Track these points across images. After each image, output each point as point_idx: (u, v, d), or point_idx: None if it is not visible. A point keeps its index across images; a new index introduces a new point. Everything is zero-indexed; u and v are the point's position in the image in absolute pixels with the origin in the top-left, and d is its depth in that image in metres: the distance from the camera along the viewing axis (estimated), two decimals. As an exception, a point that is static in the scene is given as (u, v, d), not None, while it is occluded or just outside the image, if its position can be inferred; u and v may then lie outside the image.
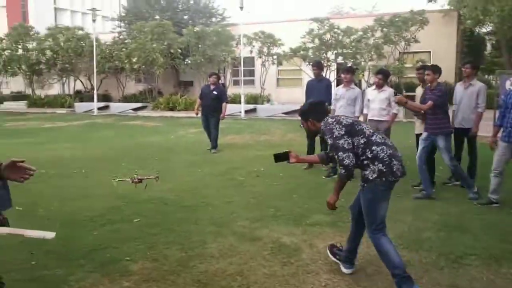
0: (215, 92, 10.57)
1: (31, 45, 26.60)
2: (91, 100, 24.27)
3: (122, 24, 29.85)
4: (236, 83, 29.03)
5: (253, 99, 24.84)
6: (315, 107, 3.79)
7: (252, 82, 28.96)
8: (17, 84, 31.93)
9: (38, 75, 27.88)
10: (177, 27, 25.87)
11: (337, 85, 14.83)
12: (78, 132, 15.15)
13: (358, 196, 3.62)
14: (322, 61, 18.87)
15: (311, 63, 16.23)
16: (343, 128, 3.42)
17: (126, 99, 27.58)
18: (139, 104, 23.79)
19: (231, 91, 27.39)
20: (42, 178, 7.71)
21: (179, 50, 24.13)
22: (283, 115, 19.59)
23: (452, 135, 6.53)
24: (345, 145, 3.35)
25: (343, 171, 3.37)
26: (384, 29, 21.69)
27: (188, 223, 5.27)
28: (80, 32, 26.47)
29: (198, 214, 5.67)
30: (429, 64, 7.81)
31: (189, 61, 23.96)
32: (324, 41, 21.89)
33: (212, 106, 10.54)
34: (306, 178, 7.81)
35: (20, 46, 26.54)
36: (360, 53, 21.81)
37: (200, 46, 24.10)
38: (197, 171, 8.45)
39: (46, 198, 6.44)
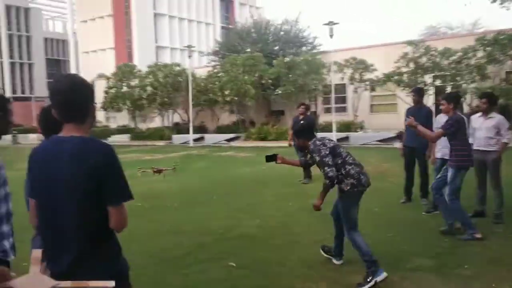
0: (302, 123, 10.55)
1: (134, 82, 28.61)
2: (188, 132, 25.33)
3: (216, 58, 31.06)
4: (328, 110, 28.68)
5: (346, 127, 24.29)
6: (307, 129, 4.88)
7: (344, 109, 28.42)
8: (122, 118, 34.43)
9: (140, 109, 29.82)
10: (268, 58, 26.34)
11: (436, 110, 13.91)
12: (174, 164, 15.70)
13: (337, 203, 4.77)
14: (421, 86, 17.91)
15: (410, 90, 15.47)
16: (328, 149, 4.46)
17: (220, 130, 28.45)
18: (232, 135, 24.34)
19: (322, 119, 27.10)
20: (138, 211, 7.95)
21: (270, 81, 24.46)
22: (378, 142, 18.82)
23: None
24: (329, 162, 4.40)
25: (328, 181, 4.38)
26: (487, 48, 20.15)
27: (276, 264, 5.03)
28: (177, 68, 27.94)
29: (287, 253, 5.41)
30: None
31: (280, 91, 24.13)
32: (420, 64, 20.88)
33: None
34: (403, 213, 7.23)
35: (124, 84, 28.67)
36: (461, 75, 20.45)
37: (290, 76, 24.22)
38: (287, 205, 8.22)
39: (139, 233, 6.57)
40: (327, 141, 4.62)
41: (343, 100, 28.59)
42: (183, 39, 54.67)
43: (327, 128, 24.17)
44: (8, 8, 63.60)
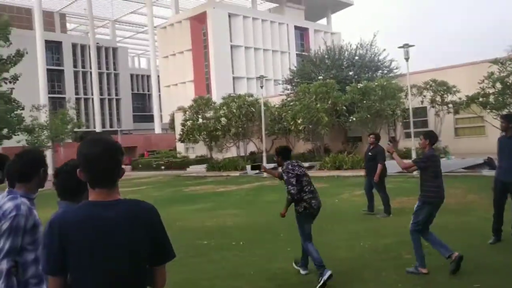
0: (370, 153, 10.30)
1: (209, 114, 29.26)
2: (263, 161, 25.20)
3: (289, 87, 30.99)
4: (408, 135, 27.31)
5: (428, 153, 22.91)
6: (285, 152, 6.16)
7: (425, 133, 26.89)
8: (200, 148, 35.26)
9: (215, 140, 30.34)
10: (342, 84, 25.74)
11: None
12: (245, 197, 15.54)
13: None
14: (510, 113, 16.38)
15: (498, 115, 14.15)
16: (295, 173, 5.80)
17: (295, 158, 28.03)
18: (306, 164, 23.80)
19: (403, 144, 25.77)
20: (202, 250, 7.78)
21: (344, 108, 23.80)
22: (464, 170, 17.35)
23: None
24: (294, 182, 5.77)
25: (290, 197, 5.87)
26: None
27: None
28: (250, 98, 28.17)
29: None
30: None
31: (354, 118, 23.37)
32: (508, 84, 19.20)
33: (370, 167, 10.35)
34: (491, 257, 6.35)
35: (200, 116, 29.41)
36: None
37: (365, 101, 23.42)
38: (357, 244, 7.60)
39: (197, 277, 6.34)
40: (296, 168, 5.92)
41: (424, 124, 27.10)
42: (259, 68, 55.59)
43: (408, 154, 22.91)
44: (98, 49, 68.74)
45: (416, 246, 5.99)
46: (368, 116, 23.23)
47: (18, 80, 20.15)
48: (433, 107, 23.90)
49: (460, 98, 22.07)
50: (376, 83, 23.44)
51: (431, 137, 6.28)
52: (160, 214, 2.10)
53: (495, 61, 18.03)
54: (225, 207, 13.16)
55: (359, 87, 23.60)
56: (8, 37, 19.62)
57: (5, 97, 19.23)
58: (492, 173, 15.85)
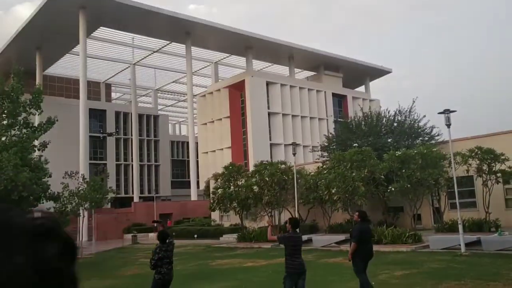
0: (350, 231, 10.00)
1: (241, 182, 28.44)
2: (296, 232, 23.79)
3: (325, 154, 30.02)
4: (453, 206, 25.38)
5: (477, 226, 20.95)
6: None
7: (473, 204, 24.92)
8: (235, 216, 34.15)
9: (247, 209, 29.26)
10: (380, 151, 24.54)
11: None
12: (273, 274, 14.18)
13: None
14: None
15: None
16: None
17: (332, 229, 26.51)
18: (342, 236, 22.19)
19: (448, 216, 23.88)
20: None
21: (382, 177, 22.44)
22: (519, 248, 15.39)
23: None
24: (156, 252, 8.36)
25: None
26: None
27: None
28: (283, 166, 27.29)
29: None
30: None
31: (393, 188, 21.89)
32: None
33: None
34: None
35: (231, 184, 28.63)
36: None
37: (404, 170, 22.02)
38: None
39: None
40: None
41: (470, 194, 25.20)
42: (296, 135, 55.20)
43: (454, 227, 21.01)
44: (140, 116, 70.78)
45: None
46: (409, 185, 21.71)
47: (46, 147, 20.26)
48: (480, 176, 22.21)
49: (510, 167, 20.37)
50: (415, 151, 22.11)
51: (291, 222, 8.09)
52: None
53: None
54: (247, 287, 11.90)
55: (397, 154, 22.31)
56: (40, 105, 19.94)
57: (32, 165, 19.21)
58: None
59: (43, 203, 20.40)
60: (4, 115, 19.99)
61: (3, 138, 19.98)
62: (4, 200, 17.63)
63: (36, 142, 20.64)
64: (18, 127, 19.83)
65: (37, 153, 21.19)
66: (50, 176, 19.75)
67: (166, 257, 8.29)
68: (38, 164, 19.81)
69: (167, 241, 8.65)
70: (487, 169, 21.83)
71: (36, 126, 20.40)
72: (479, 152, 21.82)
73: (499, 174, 21.57)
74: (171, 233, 37.74)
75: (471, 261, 13.81)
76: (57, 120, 20.38)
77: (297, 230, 8.27)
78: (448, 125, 16.49)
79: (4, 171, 17.37)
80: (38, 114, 20.66)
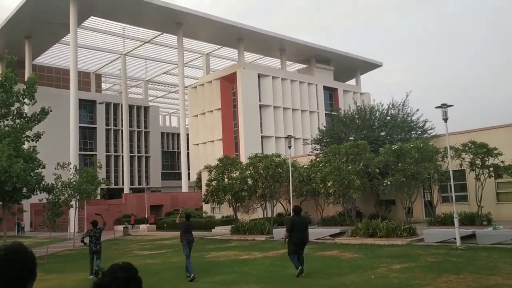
0: None
1: (235, 174, 28.38)
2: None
3: (318, 147, 30.06)
4: (445, 200, 25.64)
5: (469, 220, 21.16)
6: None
7: (464, 198, 25.20)
8: (227, 208, 34.10)
9: (241, 202, 29.25)
10: (374, 145, 24.63)
11: None
12: (270, 267, 14.20)
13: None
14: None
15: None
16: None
17: (325, 221, 26.63)
18: (337, 229, 22.28)
19: (439, 210, 24.13)
20: None
21: (377, 170, 22.54)
22: (513, 241, 15.57)
23: None
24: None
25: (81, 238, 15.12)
26: None
27: None
28: (278, 159, 27.28)
29: None
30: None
31: (389, 182, 22.01)
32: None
33: None
34: None
35: (225, 176, 28.55)
36: None
37: (400, 164, 22.14)
38: None
39: None
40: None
41: (462, 188, 25.48)
42: (287, 128, 55.26)
43: (447, 221, 21.21)
44: (130, 107, 70.21)
45: None
46: (404, 179, 21.85)
47: (40, 138, 19.98)
48: (472, 170, 22.44)
49: (502, 162, 20.58)
50: (412, 145, 22.23)
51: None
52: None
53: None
54: (248, 280, 11.88)
55: (393, 148, 22.41)
56: (33, 95, 19.62)
57: (25, 156, 18.93)
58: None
59: (36, 194, 20.17)
60: (-3, 105, 19.69)
61: (-3, 128, 19.70)
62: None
63: (28, 133, 20.33)
64: (11, 117, 19.54)
65: (29, 144, 20.89)
66: (44, 167, 19.50)
67: (93, 236, 14.54)
68: (32, 155, 19.54)
69: (97, 227, 14.92)
70: (480, 163, 22.04)
71: (30, 116, 20.09)
72: (472, 146, 22.02)
73: (491, 168, 21.79)
74: (163, 224, 37.25)
75: (467, 255, 13.94)
76: (51, 111, 20.10)
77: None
78: (445, 119, 16.57)
79: (-3, 162, 17.13)
80: (32, 104, 20.36)
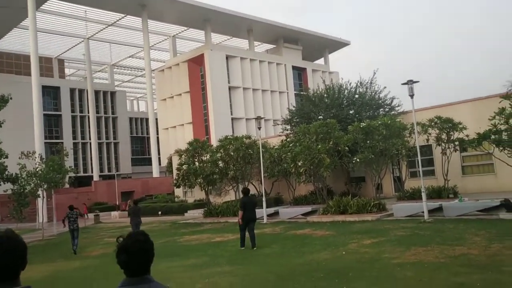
0: None
1: (206, 157, 28.18)
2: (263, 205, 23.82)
3: (288, 127, 30.09)
4: (413, 175, 26.16)
5: (436, 193, 21.67)
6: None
7: (432, 172, 25.77)
8: (199, 192, 33.95)
9: (213, 185, 29.13)
10: (343, 123, 24.80)
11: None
12: (244, 249, 14.20)
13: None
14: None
15: None
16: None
17: (297, 201, 26.82)
18: (309, 208, 22.50)
19: (408, 185, 24.63)
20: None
21: (347, 148, 22.74)
22: (479, 213, 16.06)
23: None
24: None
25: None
26: None
27: None
28: (248, 140, 27.19)
29: None
30: None
31: (358, 159, 22.25)
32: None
33: None
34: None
35: (196, 160, 28.30)
36: None
37: (368, 141, 22.39)
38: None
39: None
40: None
41: (429, 162, 26.04)
42: (257, 109, 55.13)
43: (415, 195, 21.67)
44: (96, 93, 68.58)
45: None
46: (372, 156, 22.13)
47: (1, 127, 19.23)
48: (439, 145, 22.90)
49: (467, 136, 21.06)
50: (379, 122, 22.47)
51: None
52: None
53: (506, 96, 17.04)
54: (220, 262, 11.84)
55: (361, 126, 22.62)
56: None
57: (-14, 146, 18.25)
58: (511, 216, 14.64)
59: (0, 185, 19.51)
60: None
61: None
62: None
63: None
64: (-31, 106, 18.72)
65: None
66: (6, 157, 18.84)
67: (71, 217, 16.91)
68: (-7, 145, 18.83)
69: (73, 210, 17.42)
70: (446, 138, 22.50)
71: (-12, 105, 19.33)
72: (438, 121, 22.43)
73: (457, 143, 22.27)
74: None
75: (434, 227, 14.28)
76: (11, 98, 19.34)
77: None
78: (412, 96, 16.76)
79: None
80: (-9, 92, 19.54)
